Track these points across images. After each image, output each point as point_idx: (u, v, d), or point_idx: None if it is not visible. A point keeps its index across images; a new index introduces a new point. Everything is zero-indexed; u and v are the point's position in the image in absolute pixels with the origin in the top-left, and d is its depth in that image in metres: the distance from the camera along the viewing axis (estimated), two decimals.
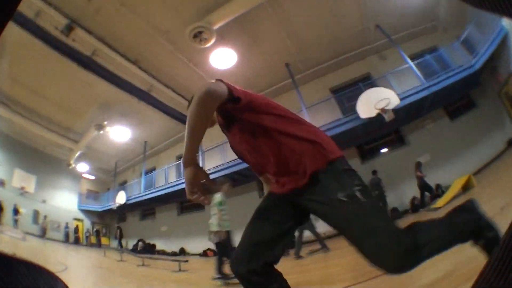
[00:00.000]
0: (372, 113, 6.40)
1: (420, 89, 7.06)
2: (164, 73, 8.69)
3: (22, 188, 12.31)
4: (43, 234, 11.89)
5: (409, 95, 7.05)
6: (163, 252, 11.31)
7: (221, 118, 1.06)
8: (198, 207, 10.68)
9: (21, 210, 11.21)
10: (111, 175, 15.28)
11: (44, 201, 13.24)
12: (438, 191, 6.45)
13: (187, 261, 5.25)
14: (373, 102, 6.45)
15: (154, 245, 12.50)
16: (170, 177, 11.62)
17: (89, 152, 13.32)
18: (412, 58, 7.89)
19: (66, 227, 13.23)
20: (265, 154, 0.98)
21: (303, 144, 0.91)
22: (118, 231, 13.10)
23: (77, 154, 13.07)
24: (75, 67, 7.48)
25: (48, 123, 11.16)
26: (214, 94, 0.85)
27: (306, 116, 7.55)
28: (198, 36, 6.86)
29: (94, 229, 14.51)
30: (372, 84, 7.86)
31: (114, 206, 12.71)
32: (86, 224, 14.59)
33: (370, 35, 8.50)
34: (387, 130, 8.17)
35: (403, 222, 1.43)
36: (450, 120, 8.07)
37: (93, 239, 14.06)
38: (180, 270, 4.76)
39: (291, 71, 8.81)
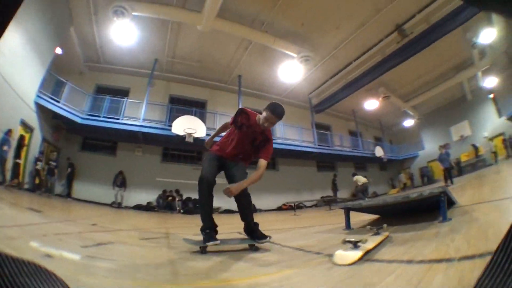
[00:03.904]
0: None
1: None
2: None
3: None
4: None
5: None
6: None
7: (252, 140, 2.38)
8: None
9: None
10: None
11: None
12: None
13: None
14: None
15: (197, 200, 10.96)
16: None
17: None
18: None
19: (5, 139, 6.89)
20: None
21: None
22: (70, 169, 9.83)
23: None
24: None
25: None
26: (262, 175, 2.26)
27: None
28: None
29: (52, 159, 9.10)
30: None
31: (190, 139, 9.88)
32: (35, 140, 8.83)
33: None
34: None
35: None
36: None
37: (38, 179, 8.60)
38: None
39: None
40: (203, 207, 2.25)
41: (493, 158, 12.93)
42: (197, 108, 12.43)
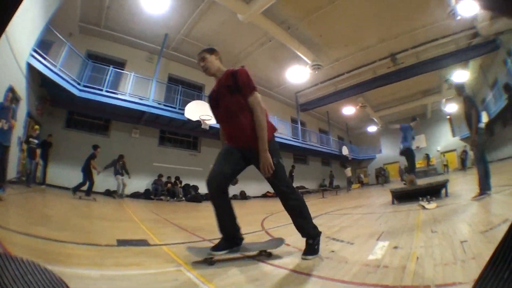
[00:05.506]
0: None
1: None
2: None
3: None
4: None
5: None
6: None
7: (228, 93, 2.17)
8: None
9: None
10: None
11: None
12: None
13: None
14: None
15: (196, 187, 12.63)
16: None
17: None
18: None
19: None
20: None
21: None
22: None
23: None
24: None
25: None
26: (263, 111, 2.11)
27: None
28: None
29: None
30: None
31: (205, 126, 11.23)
32: (19, 114, 7.22)
33: None
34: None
35: None
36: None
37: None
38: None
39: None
40: (215, 211, 2.19)
41: (444, 169, 18.43)
42: (195, 91, 13.79)
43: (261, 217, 5.34)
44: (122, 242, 2.74)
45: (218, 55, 2.36)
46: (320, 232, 2.21)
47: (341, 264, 1.91)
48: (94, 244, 2.62)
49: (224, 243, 2.18)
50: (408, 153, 7.09)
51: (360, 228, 3.45)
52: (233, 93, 2.14)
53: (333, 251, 2.26)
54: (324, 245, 2.45)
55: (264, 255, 2.23)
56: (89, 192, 7.96)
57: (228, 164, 2.19)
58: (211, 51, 2.33)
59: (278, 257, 2.22)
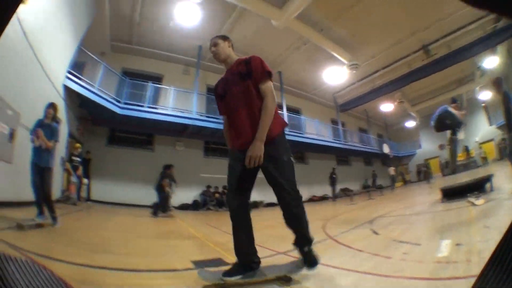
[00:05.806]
0: None
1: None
2: None
3: None
4: None
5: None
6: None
7: (239, 78, 2.13)
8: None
9: None
10: None
11: None
12: None
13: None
14: None
15: None
16: None
17: None
18: None
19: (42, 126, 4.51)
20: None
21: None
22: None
23: None
24: None
25: None
26: (274, 100, 2.05)
27: None
28: None
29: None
30: None
31: None
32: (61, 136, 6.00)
33: None
34: None
35: None
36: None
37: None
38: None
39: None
40: (232, 232, 2.11)
41: (482, 161, 18.46)
42: None
43: (319, 223, 5.29)
44: (198, 264, 2.60)
45: (231, 43, 2.35)
46: (313, 238, 2.19)
47: (417, 264, 2.15)
48: (171, 270, 2.47)
49: (237, 267, 2.06)
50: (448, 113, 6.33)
51: (419, 229, 3.78)
52: (245, 80, 2.10)
53: (405, 253, 2.48)
54: (394, 247, 2.76)
55: (284, 279, 1.96)
56: (157, 211, 8.07)
57: (242, 175, 2.09)
58: (224, 38, 2.34)
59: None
